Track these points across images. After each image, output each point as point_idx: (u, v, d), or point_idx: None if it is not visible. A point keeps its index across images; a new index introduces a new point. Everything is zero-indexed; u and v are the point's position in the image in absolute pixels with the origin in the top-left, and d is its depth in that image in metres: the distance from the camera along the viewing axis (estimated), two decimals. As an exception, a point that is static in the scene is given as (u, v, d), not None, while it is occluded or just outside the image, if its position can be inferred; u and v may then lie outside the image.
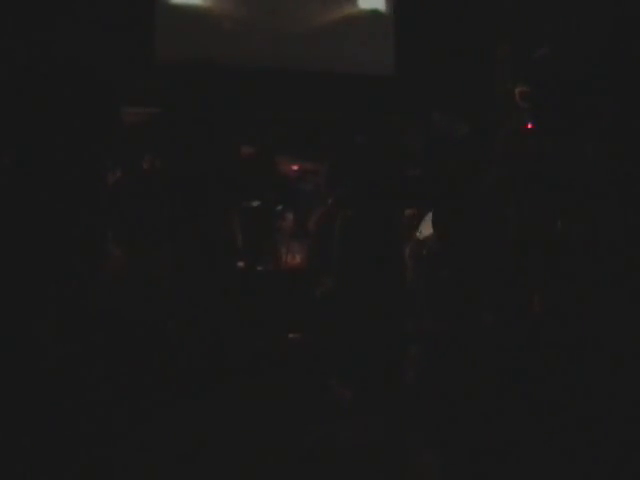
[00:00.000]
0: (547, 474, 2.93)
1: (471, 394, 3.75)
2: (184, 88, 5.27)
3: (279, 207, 5.49)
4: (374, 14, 6.67)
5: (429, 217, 4.71)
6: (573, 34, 4.14)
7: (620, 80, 3.88)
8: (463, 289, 4.48)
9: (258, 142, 5.35)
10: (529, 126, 4.12)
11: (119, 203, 4.27)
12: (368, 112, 5.46)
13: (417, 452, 3.43)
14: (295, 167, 5.80)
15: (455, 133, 5.17)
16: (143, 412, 3.51)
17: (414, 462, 3.35)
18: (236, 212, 5.17)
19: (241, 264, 5.07)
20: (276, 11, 6.47)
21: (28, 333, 2.93)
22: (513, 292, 4.21)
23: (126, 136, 4.73)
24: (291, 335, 4.68)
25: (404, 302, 4.51)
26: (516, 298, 4.20)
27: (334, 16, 6.59)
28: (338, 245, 4.54)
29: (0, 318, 2.91)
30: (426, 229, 4.77)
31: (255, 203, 5.37)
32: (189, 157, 4.52)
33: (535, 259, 4.06)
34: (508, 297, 4.25)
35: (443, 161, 4.94)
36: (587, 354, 3.64)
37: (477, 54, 5.31)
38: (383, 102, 5.80)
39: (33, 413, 2.91)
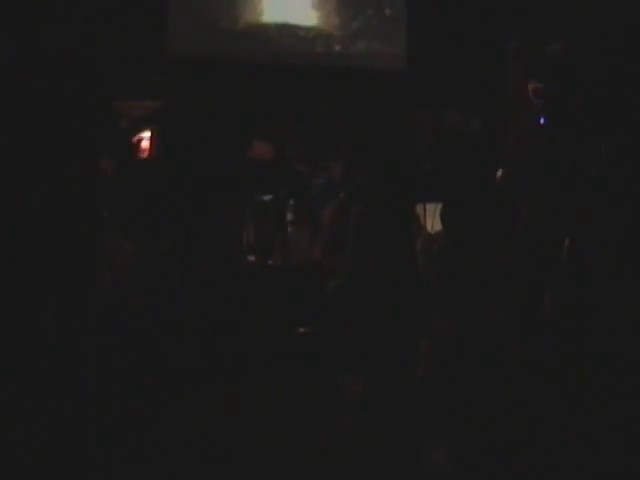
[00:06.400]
0: (558, 471, 2.93)
1: (482, 390, 3.76)
2: (197, 82, 5.28)
3: (291, 201, 5.49)
4: (387, 9, 6.65)
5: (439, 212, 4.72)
6: (587, 29, 4.10)
7: (635, 76, 3.85)
8: (474, 285, 4.48)
9: (271, 137, 5.35)
10: (541, 122, 4.10)
11: (126, 197, 4.29)
12: (381, 107, 5.44)
13: (428, 448, 3.44)
14: (308, 161, 5.80)
15: (467, 128, 5.15)
16: (153, 405, 3.54)
17: (426, 458, 3.36)
18: (249, 206, 5.19)
19: (252, 258, 5.09)
20: (290, 6, 6.47)
21: (31, 329, 2.94)
22: (524, 288, 4.20)
23: (132, 128, 4.76)
24: (302, 330, 4.69)
25: (416, 297, 4.51)
26: (527, 294, 4.19)
27: (348, 11, 6.58)
28: (351, 240, 4.55)
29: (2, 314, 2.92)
30: (437, 224, 4.77)
31: (267, 197, 5.39)
32: (200, 151, 4.54)
33: (547, 255, 4.05)
34: (519, 293, 4.24)
35: (455, 156, 4.93)
36: (599, 351, 3.63)
37: (490, 49, 5.28)
38: (396, 97, 5.79)
39: (38, 410, 2.92)
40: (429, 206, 5.16)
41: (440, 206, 4.97)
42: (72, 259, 2.95)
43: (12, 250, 2.88)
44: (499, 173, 4.36)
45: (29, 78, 3.03)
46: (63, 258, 2.94)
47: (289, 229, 5.44)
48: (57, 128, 2.99)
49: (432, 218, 5.12)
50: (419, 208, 5.08)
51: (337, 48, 6.53)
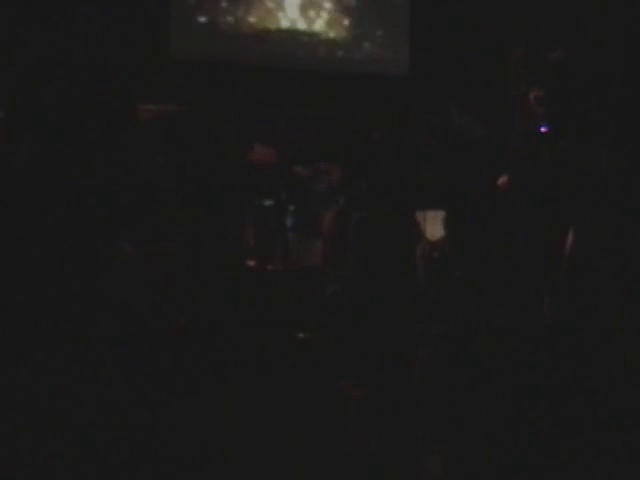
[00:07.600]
0: (556, 476, 2.92)
1: (481, 396, 3.75)
2: (199, 86, 5.29)
3: (291, 206, 5.50)
4: (390, 14, 6.67)
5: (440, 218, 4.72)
6: (588, 37, 4.12)
7: (636, 83, 3.87)
8: (474, 291, 4.48)
9: (272, 141, 5.36)
10: (543, 129, 4.11)
11: (130, 198, 4.30)
12: (383, 112, 5.46)
13: (426, 453, 3.43)
14: (309, 167, 5.80)
15: (472, 134, 5.16)
16: (150, 408, 3.52)
17: (423, 463, 3.35)
18: (249, 211, 5.19)
19: (252, 263, 5.08)
20: (293, 11, 6.49)
21: (38, 325, 2.95)
22: (525, 295, 4.20)
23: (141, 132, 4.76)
24: (301, 334, 4.68)
25: (415, 303, 4.51)
26: (528, 301, 4.19)
27: (350, 17, 6.60)
28: (351, 245, 4.55)
29: (10, 311, 2.92)
30: (437, 231, 4.77)
31: (268, 202, 5.39)
32: (201, 155, 4.54)
33: (548, 262, 4.05)
34: (520, 300, 4.24)
35: (459, 162, 4.94)
36: (600, 358, 3.62)
37: (494, 54, 5.29)
38: (398, 102, 5.80)
39: (41, 409, 2.92)
40: (430, 213, 5.16)
41: (443, 213, 4.97)
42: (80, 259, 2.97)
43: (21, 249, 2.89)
44: (501, 179, 4.37)
45: (42, 83, 3.06)
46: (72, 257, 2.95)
47: (289, 234, 5.44)
48: (73, 128, 3.01)
49: (433, 225, 5.12)
50: (420, 215, 5.08)
51: (339, 53, 6.55)
